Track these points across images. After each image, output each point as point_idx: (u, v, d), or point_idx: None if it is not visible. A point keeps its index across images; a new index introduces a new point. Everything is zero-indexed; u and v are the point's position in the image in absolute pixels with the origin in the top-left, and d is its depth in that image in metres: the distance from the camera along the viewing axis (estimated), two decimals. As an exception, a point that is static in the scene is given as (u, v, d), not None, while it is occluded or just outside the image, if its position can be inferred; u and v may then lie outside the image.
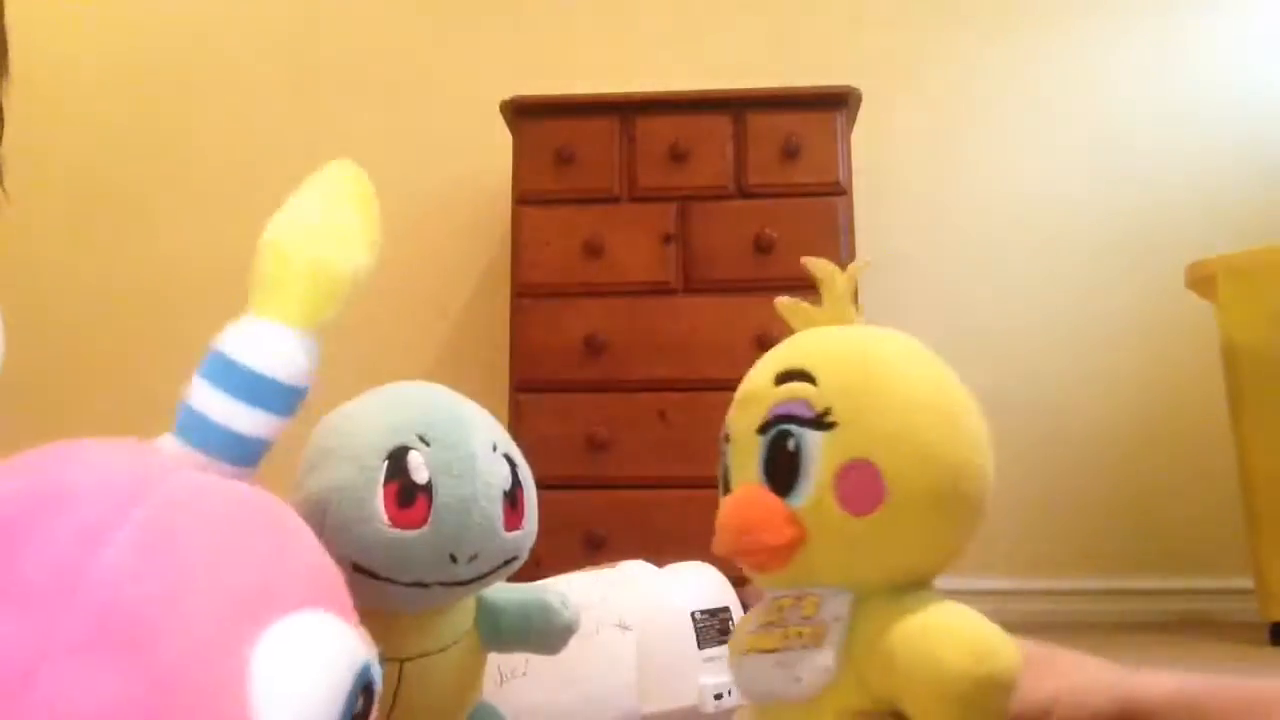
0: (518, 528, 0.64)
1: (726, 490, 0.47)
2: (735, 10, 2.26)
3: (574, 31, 2.28)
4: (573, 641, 0.73)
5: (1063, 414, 2.10)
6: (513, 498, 0.64)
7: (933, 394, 0.44)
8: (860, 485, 0.41)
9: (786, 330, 0.52)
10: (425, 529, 0.59)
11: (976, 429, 0.45)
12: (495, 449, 0.64)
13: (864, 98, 1.90)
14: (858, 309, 0.50)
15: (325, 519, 0.58)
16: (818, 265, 0.50)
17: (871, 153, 2.13)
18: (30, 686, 0.33)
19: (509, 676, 0.86)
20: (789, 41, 2.23)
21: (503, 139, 1.97)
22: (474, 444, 0.62)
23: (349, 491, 0.59)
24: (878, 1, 2.25)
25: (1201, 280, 1.73)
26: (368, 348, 2.20)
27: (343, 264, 0.47)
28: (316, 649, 0.39)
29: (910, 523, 0.42)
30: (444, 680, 0.66)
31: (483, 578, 0.63)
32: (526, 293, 1.82)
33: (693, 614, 0.89)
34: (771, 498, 0.43)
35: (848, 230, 1.81)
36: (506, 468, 0.64)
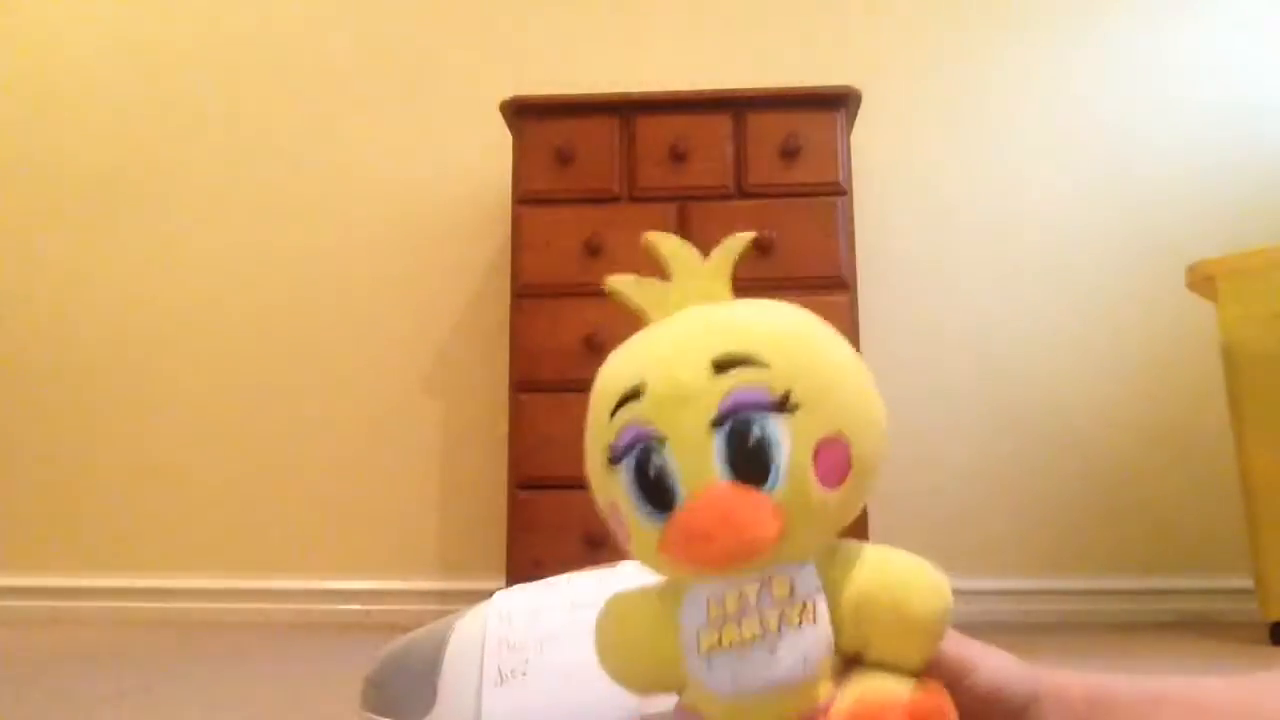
0: None
1: (664, 504, 0.43)
2: (735, 10, 2.26)
3: (574, 31, 2.28)
4: (572, 641, 0.73)
5: (1062, 414, 2.09)
6: None
7: (860, 365, 0.46)
8: (835, 460, 0.42)
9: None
10: None
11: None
12: None
13: (864, 98, 1.90)
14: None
15: None
16: (663, 240, 0.49)
17: (871, 153, 2.13)
18: None
19: (509, 676, 0.85)
20: (789, 41, 2.23)
21: (503, 139, 1.97)
22: None
23: None
24: (878, 1, 2.25)
25: (1201, 280, 1.73)
26: (368, 347, 2.20)
27: None
28: None
29: (863, 489, 0.44)
30: None
31: None
32: (526, 293, 1.82)
33: (693, 614, 0.89)
34: (752, 492, 0.42)
35: (847, 230, 1.81)
36: None
